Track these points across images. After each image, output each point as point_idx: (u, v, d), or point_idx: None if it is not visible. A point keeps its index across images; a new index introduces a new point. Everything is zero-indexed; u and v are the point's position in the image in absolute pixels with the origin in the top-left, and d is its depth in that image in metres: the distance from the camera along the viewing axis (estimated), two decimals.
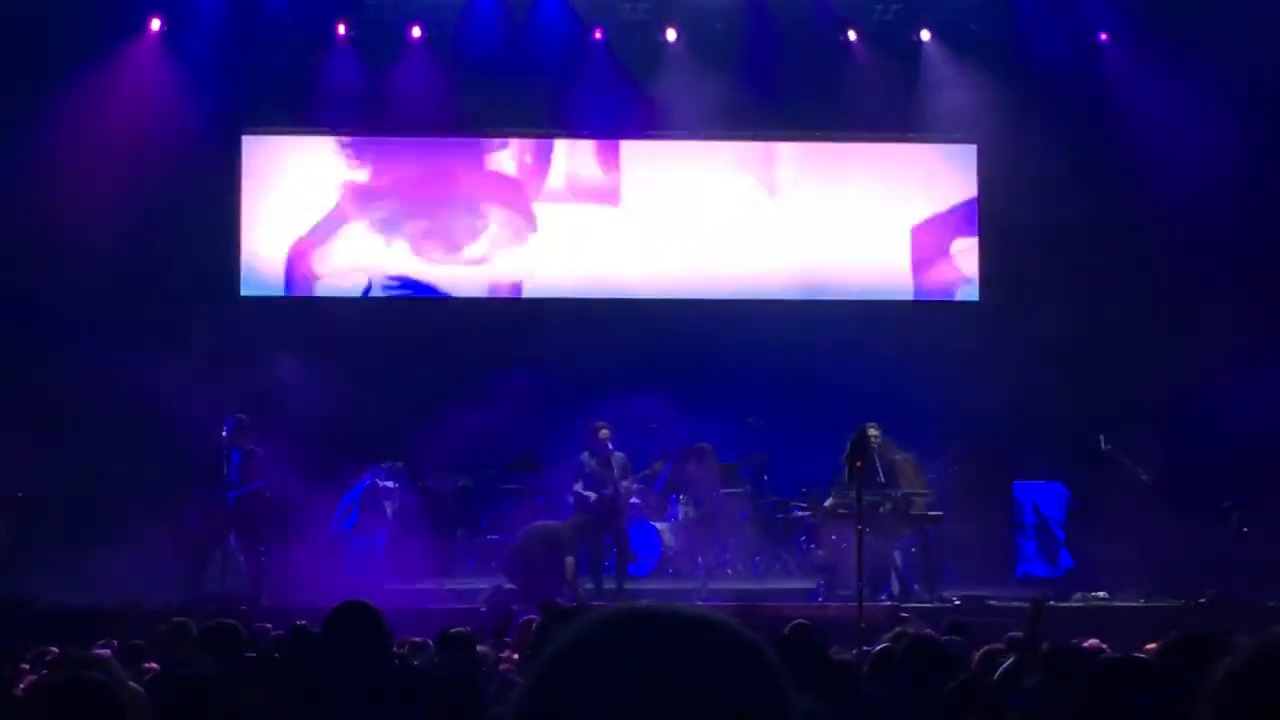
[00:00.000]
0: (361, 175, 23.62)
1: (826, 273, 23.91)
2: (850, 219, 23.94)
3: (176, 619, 11.72)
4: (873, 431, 18.97)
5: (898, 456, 19.56)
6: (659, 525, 21.33)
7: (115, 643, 11.42)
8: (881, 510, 18.58)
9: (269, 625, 12.63)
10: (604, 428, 19.52)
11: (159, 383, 21.07)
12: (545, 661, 2.41)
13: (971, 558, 20.75)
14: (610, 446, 19.45)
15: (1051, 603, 18.19)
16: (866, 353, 22.40)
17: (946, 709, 7.82)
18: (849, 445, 16.11)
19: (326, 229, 23.45)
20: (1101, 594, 19.12)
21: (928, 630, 12.01)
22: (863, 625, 14.39)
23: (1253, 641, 3.01)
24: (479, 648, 10.67)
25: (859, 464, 16.08)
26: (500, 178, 23.78)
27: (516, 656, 11.31)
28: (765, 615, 15.95)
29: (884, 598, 18.28)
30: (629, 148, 24.00)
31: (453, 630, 10.41)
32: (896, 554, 19.44)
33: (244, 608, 16.47)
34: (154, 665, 9.77)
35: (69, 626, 15.66)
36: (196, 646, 9.35)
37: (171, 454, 19.70)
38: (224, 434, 18.98)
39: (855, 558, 16.30)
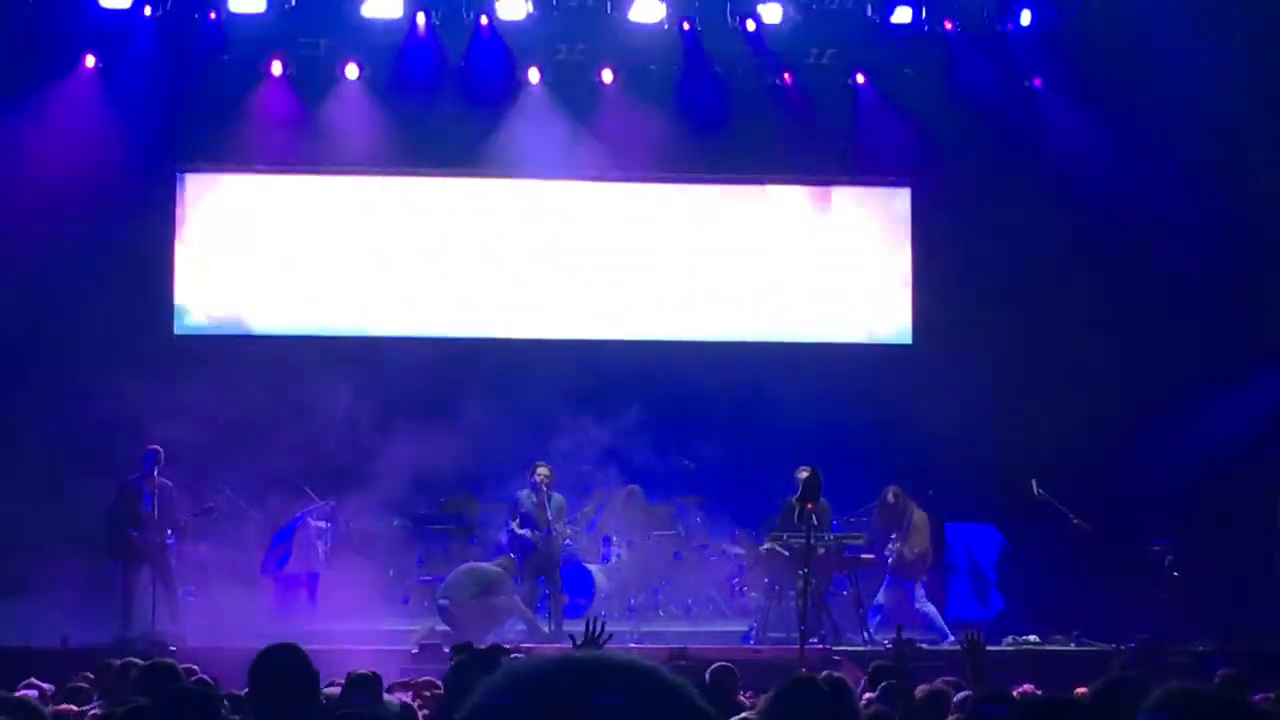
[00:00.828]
0: (295, 212, 23.53)
1: (760, 315, 23.94)
2: (786, 262, 23.99)
3: (124, 659, 11.65)
4: (892, 492, 19.36)
5: (916, 514, 19.72)
6: (592, 567, 21.30)
7: (51, 687, 11.37)
8: (816, 553, 18.62)
9: (195, 666, 12.51)
10: (543, 467, 19.50)
11: (90, 421, 20.95)
12: (477, 712, 2.41)
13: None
14: (548, 487, 19.41)
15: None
16: (801, 395, 22.45)
17: None
18: (801, 487, 16.08)
19: (259, 266, 23.35)
20: (1032, 637, 19.19)
21: (856, 673, 12.04)
22: (802, 669, 14.36)
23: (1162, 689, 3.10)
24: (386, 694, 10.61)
25: (810, 506, 16.07)
26: (444, 216, 23.73)
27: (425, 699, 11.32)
28: (697, 658, 15.96)
29: (816, 640, 18.28)
30: (562, 188, 24.01)
31: (359, 672, 10.37)
32: (886, 595, 19.53)
33: (173, 648, 16.34)
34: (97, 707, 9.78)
35: None
36: (134, 687, 9.29)
37: (101, 492, 19.51)
38: (147, 470, 18.81)
39: (799, 599, 16.31)
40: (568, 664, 2.45)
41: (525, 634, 18.65)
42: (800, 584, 17.36)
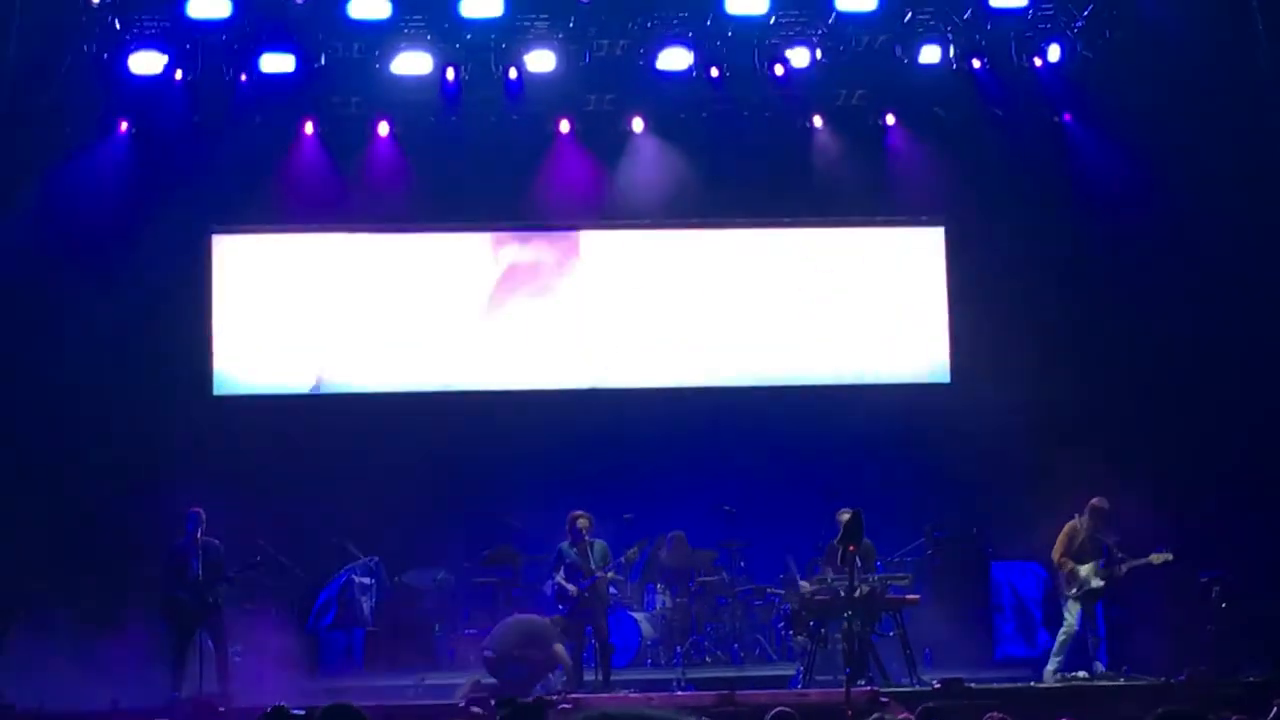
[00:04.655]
0: (330, 270, 23.57)
1: (796, 358, 23.88)
2: (821, 304, 23.95)
3: None
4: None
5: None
6: (637, 614, 21.26)
7: None
8: (859, 594, 18.57)
9: None
10: (582, 517, 19.41)
11: (132, 482, 21.04)
12: None
13: (950, 640, 20.72)
14: (588, 536, 19.35)
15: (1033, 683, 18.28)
16: (840, 437, 22.44)
17: None
18: (843, 529, 16.03)
19: (295, 325, 23.36)
20: (1081, 673, 19.06)
21: (905, 714, 12.01)
22: (849, 712, 14.31)
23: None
24: None
25: (852, 548, 16.01)
26: (476, 270, 23.76)
27: None
28: (744, 703, 15.94)
29: (863, 682, 18.20)
30: (596, 238, 24.05)
31: None
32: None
33: (222, 708, 16.35)
34: None
35: None
36: None
37: (148, 554, 19.54)
38: (190, 532, 18.72)
39: (844, 642, 16.25)
40: None
41: (571, 684, 18.61)
42: (845, 626, 17.35)
